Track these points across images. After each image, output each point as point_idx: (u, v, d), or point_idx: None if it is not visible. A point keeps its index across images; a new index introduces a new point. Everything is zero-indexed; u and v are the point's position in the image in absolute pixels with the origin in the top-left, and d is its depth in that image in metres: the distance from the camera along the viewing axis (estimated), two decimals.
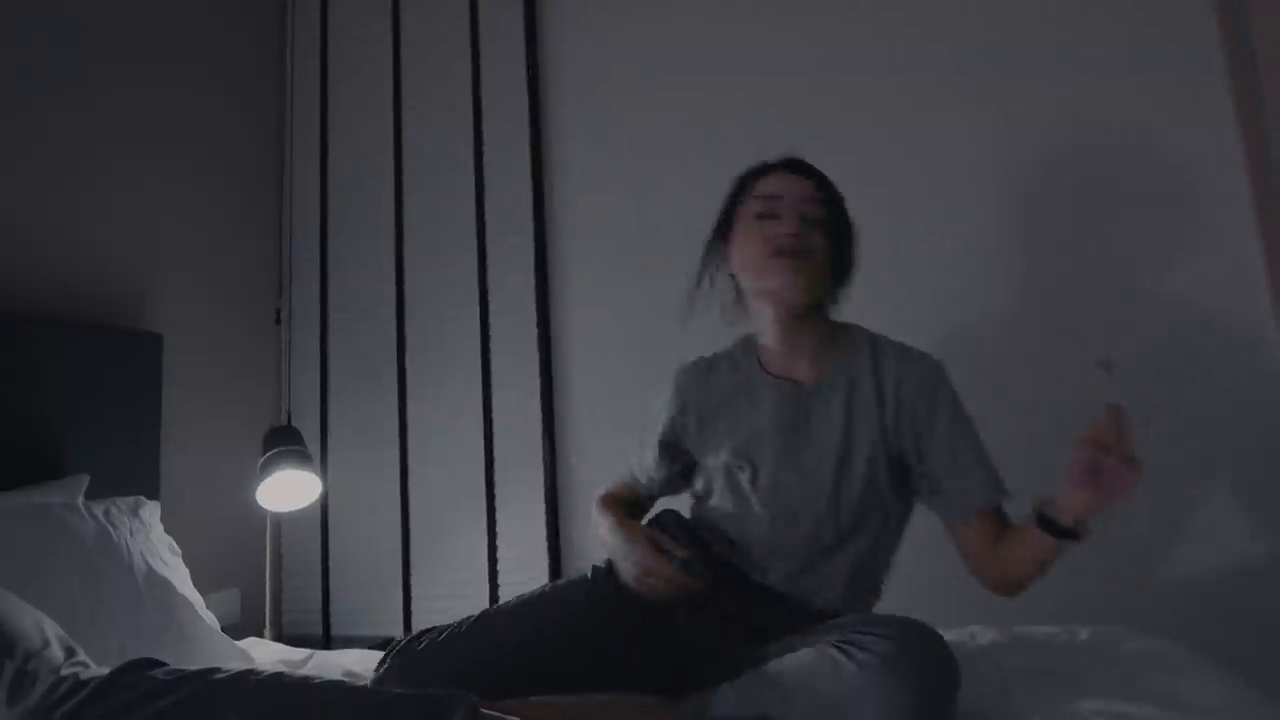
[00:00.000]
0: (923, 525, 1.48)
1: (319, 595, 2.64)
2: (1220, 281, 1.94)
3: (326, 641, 2.53)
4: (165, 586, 1.74)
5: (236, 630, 2.04)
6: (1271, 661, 1.49)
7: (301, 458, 2.25)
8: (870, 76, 2.25)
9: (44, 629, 1.25)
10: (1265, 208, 1.88)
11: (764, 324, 1.46)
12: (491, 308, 2.59)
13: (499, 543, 2.48)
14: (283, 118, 2.89)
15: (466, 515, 2.51)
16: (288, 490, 2.27)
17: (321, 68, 2.88)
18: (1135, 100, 2.02)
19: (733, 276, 1.51)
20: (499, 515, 2.49)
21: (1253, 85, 1.87)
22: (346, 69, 2.86)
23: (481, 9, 2.70)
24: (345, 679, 1.46)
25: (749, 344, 1.53)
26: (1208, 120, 1.96)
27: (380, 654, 1.94)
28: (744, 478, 1.42)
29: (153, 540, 1.85)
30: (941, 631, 1.43)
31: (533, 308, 2.52)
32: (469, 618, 1.40)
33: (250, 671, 1.15)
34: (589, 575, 1.46)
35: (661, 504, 1.61)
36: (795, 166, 1.47)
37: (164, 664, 1.14)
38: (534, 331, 2.51)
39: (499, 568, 2.46)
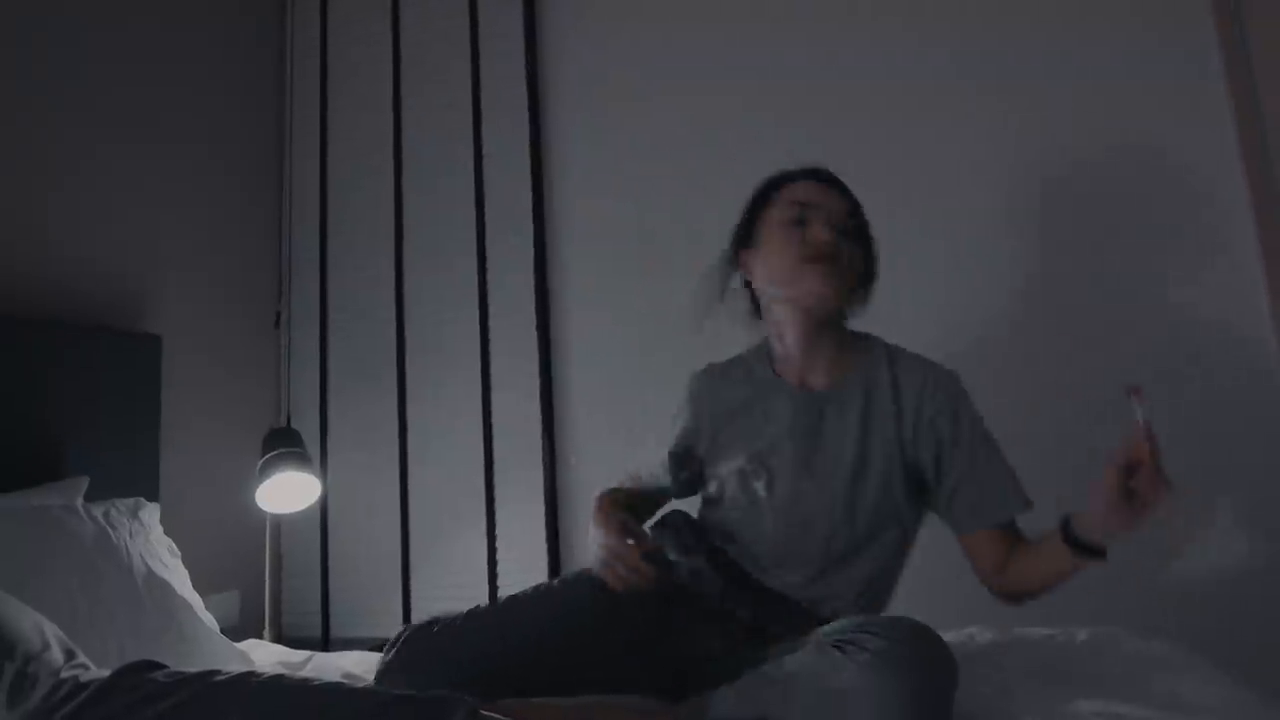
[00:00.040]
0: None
1: (318, 597, 2.64)
2: (1219, 282, 1.94)
3: (326, 643, 2.53)
4: (165, 588, 1.74)
5: (236, 632, 2.04)
6: (1270, 662, 1.49)
7: (301, 459, 2.25)
8: (869, 81, 2.25)
9: (44, 631, 1.25)
10: (1263, 210, 1.88)
11: (784, 330, 1.45)
12: (491, 309, 2.59)
13: (498, 544, 2.48)
14: (282, 118, 2.89)
15: (466, 517, 2.52)
16: (287, 492, 2.27)
17: (321, 68, 2.88)
18: (1134, 104, 2.02)
19: (748, 284, 1.51)
20: (498, 516, 2.49)
21: (1250, 88, 1.88)
22: (346, 69, 2.86)
23: (481, 10, 2.71)
24: (345, 681, 1.46)
25: (762, 351, 1.53)
26: (1206, 123, 1.96)
27: (378, 655, 1.95)
28: (759, 484, 1.42)
29: (152, 542, 1.85)
30: (941, 632, 1.43)
31: (532, 309, 2.53)
32: (477, 608, 1.41)
33: (250, 673, 1.15)
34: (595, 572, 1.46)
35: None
36: (821, 175, 1.47)
37: (164, 666, 1.14)
38: (533, 333, 2.51)
39: (498, 569, 2.47)
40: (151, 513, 1.92)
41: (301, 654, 1.90)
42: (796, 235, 1.40)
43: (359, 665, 1.76)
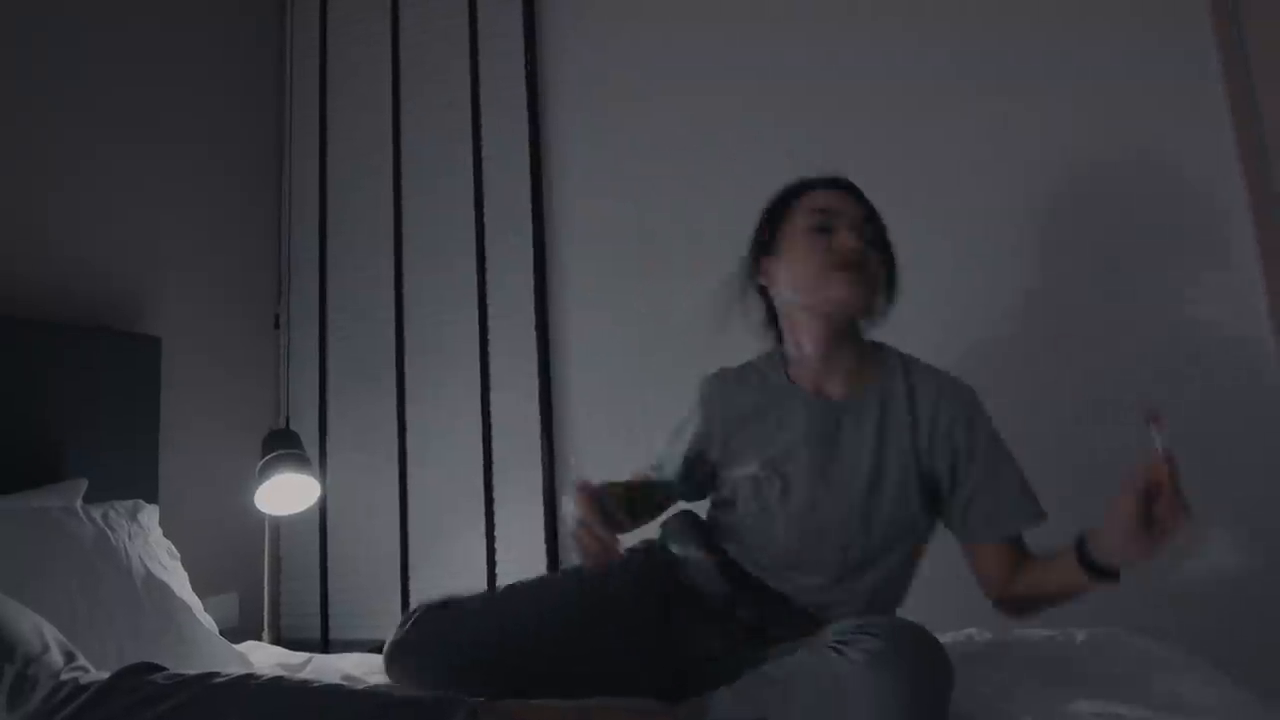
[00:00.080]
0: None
1: (317, 598, 2.64)
2: (1217, 281, 1.95)
3: (325, 645, 2.53)
4: (164, 590, 1.73)
5: (235, 634, 2.03)
6: (1269, 662, 1.50)
7: (300, 461, 2.25)
8: (869, 81, 2.25)
9: (43, 633, 1.25)
10: (1260, 210, 1.89)
11: (803, 338, 1.45)
12: (490, 310, 2.59)
13: (498, 545, 2.48)
14: (282, 118, 2.89)
15: (465, 517, 2.52)
16: (286, 493, 2.27)
17: (320, 68, 2.88)
18: (1133, 104, 2.03)
19: (762, 291, 1.51)
20: (498, 517, 2.50)
21: (1247, 89, 1.88)
22: (345, 70, 2.86)
23: (480, 10, 2.71)
24: (344, 682, 1.45)
25: (775, 357, 1.53)
26: (1205, 123, 1.97)
27: (378, 657, 1.95)
28: (772, 490, 1.42)
29: (151, 544, 1.85)
30: (941, 632, 1.44)
31: (531, 309, 2.53)
32: (491, 590, 1.43)
33: (249, 675, 1.15)
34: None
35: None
36: (840, 183, 1.47)
37: (163, 668, 1.14)
38: (533, 333, 2.52)
39: (498, 570, 2.47)
40: (150, 514, 1.92)
41: (301, 656, 1.90)
42: (822, 243, 1.39)
43: (358, 667, 1.76)
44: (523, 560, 2.43)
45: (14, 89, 2.01)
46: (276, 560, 2.58)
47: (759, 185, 2.29)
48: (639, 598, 1.38)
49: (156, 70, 2.40)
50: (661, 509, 1.61)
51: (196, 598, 1.86)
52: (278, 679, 1.15)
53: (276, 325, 2.78)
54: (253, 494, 2.22)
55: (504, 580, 2.43)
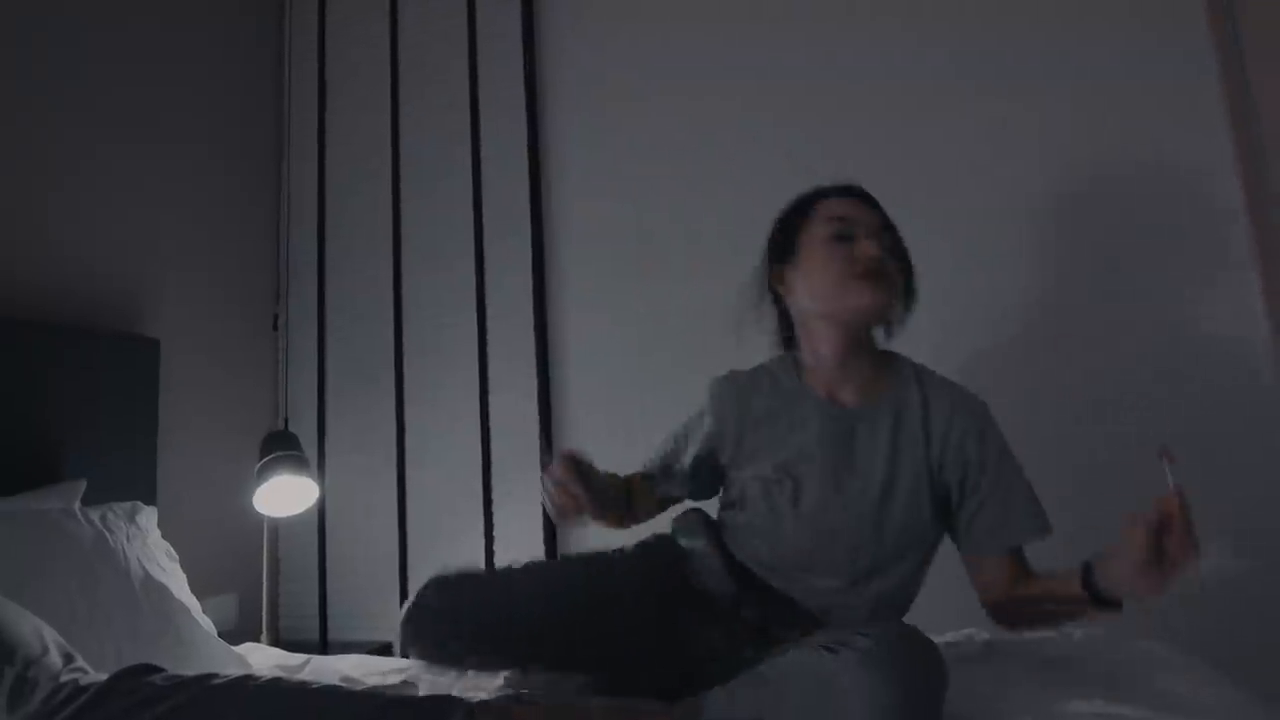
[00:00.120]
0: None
1: (316, 600, 2.64)
2: (1215, 281, 1.95)
3: (324, 646, 2.52)
4: (162, 592, 1.73)
5: (233, 635, 2.03)
6: (1268, 662, 1.50)
7: (298, 462, 2.25)
8: (868, 82, 2.26)
9: (43, 635, 1.25)
10: (1257, 210, 1.89)
11: (820, 345, 1.45)
12: (489, 311, 2.59)
13: (496, 546, 2.48)
14: (280, 120, 2.89)
15: (464, 518, 2.52)
16: (285, 495, 2.26)
17: (319, 70, 2.89)
18: (1132, 104, 2.03)
19: (777, 300, 1.51)
20: (496, 518, 2.49)
21: (1244, 88, 1.88)
22: (344, 71, 2.87)
23: (479, 11, 2.71)
24: (343, 684, 1.45)
25: (787, 362, 1.53)
26: (1202, 124, 1.97)
27: (376, 658, 1.96)
28: (783, 493, 1.43)
29: (150, 545, 1.85)
30: (939, 633, 1.44)
31: (530, 311, 2.53)
32: (510, 567, 1.48)
33: (248, 677, 1.15)
34: (624, 550, 1.51)
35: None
36: (854, 191, 1.47)
37: (161, 670, 1.15)
38: (531, 334, 2.52)
39: None
40: (149, 516, 1.92)
41: (299, 657, 1.90)
42: (842, 251, 1.39)
43: (357, 668, 1.76)
44: (521, 561, 2.42)
45: (14, 89, 2.01)
46: (275, 562, 2.57)
47: (758, 186, 2.30)
48: (644, 589, 1.39)
49: (155, 71, 2.41)
50: (662, 508, 1.62)
51: (195, 599, 1.86)
52: (276, 680, 1.15)
53: (275, 327, 2.78)
54: (251, 495, 2.22)
55: None
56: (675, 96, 2.44)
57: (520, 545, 2.44)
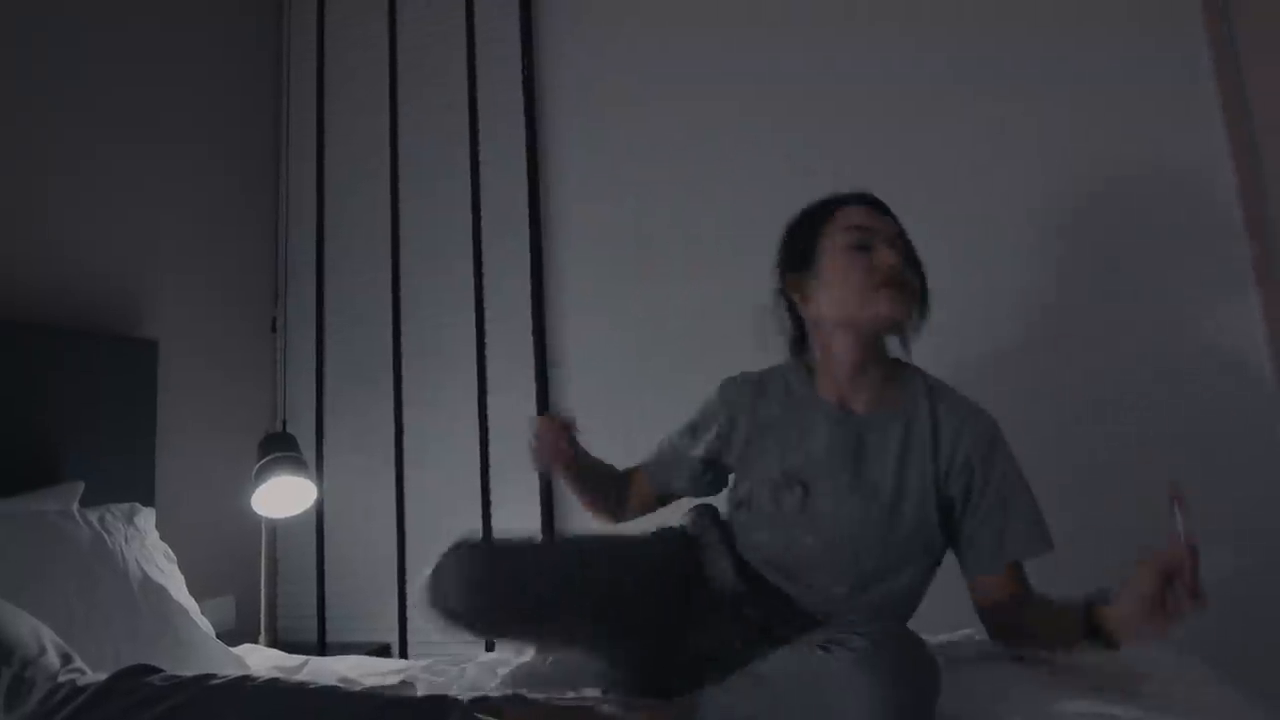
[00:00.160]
0: None
1: (314, 601, 2.64)
2: (1212, 280, 1.96)
3: (322, 648, 2.52)
4: (160, 593, 1.73)
5: (232, 637, 2.03)
6: (1260, 662, 1.50)
7: (297, 464, 2.25)
8: (866, 86, 2.26)
9: (40, 636, 1.25)
10: (1252, 210, 1.90)
11: (837, 354, 1.45)
12: (488, 313, 2.59)
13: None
14: (279, 121, 2.89)
15: (463, 520, 2.51)
16: (283, 496, 2.26)
17: (318, 71, 2.89)
18: (1129, 106, 2.04)
19: (792, 307, 1.51)
20: (495, 519, 2.49)
21: (1239, 90, 1.89)
22: (343, 73, 2.87)
23: (478, 13, 2.71)
24: (340, 684, 1.45)
25: (800, 367, 1.53)
26: (1198, 124, 1.98)
27: (374, 659, 1.96)
28: (793, 498, 1.43)
29: (148, 547, 1.85)
30: (935, 634, 1.44)
31: (529, 313, 2.53)
32: (531, 539, 1.48)
33: (246, 677, 1.15)
34: (642, 536, 1.52)
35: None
36: (869, 200, 1.47)
37: (160, 670, 1.14)
38: (530, 337, 2.52)
39: None
40: (147, 518, 1.92)
41: (298, 658, 1.90)
42: (862, 261, 1.39)
43: (355, 669, 1.76)
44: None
45: (14, 89, 2.01)
46: (273, 563, 2.57)
47: (756, 189, 2.32)
48: (660, 575, 1.40)
49: (155, 71, 2.41)
50: (662, 503, 1.63)
51: (193, 600, 1.86)
52: (274, 680, 1.15)
53: (274, 328, 2.78)
54: (250, 497, 2.22)
55: None
56: (674, 100, 2.45)
57: None
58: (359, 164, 2.79)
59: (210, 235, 2.56)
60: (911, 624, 1.47)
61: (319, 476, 2.63)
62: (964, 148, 2.15)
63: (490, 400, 2.55)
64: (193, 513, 2.28)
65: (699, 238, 2.38)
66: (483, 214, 2.63)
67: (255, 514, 2.29)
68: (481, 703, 1.13)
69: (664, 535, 1.53)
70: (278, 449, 2.24)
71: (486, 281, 2.60)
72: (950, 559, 1.45)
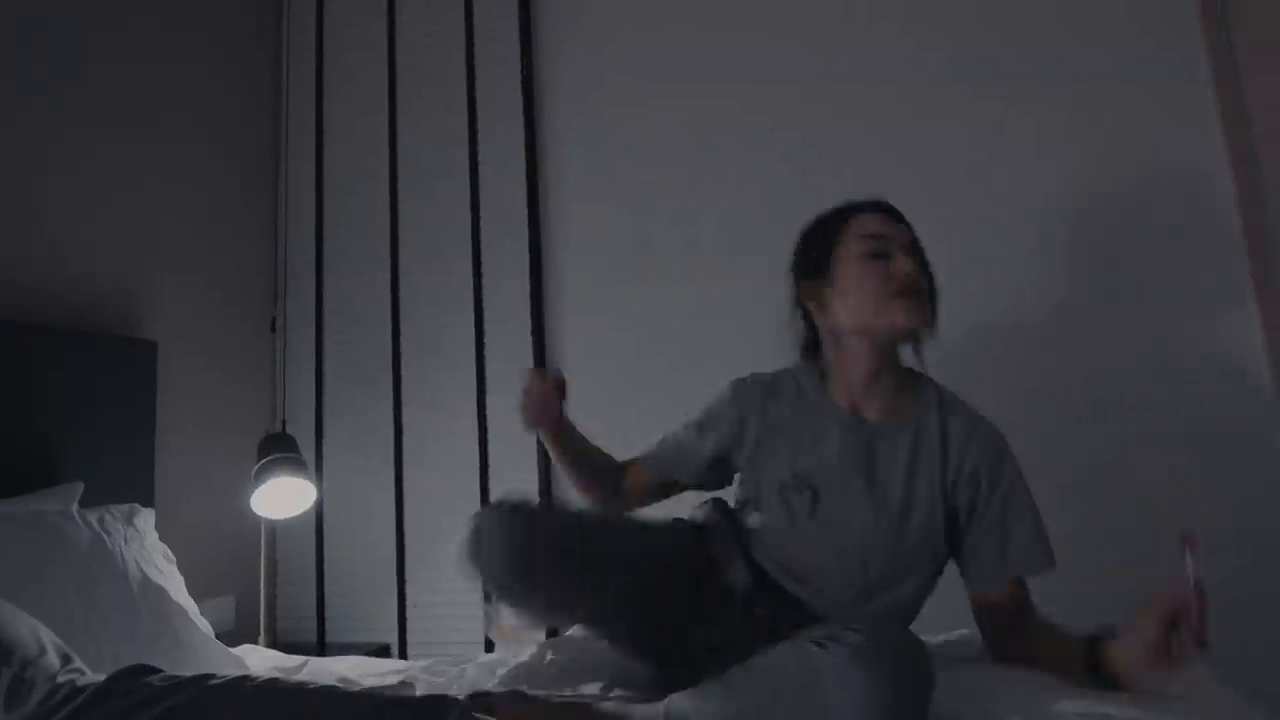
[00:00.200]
0: None
1: (314, 602, 2.64)
2: (1209, 281, 1.96)
3: (321, 648, 2.52)
4: (160, 594, 1.73)
5: (231, 637, 2.03)
6: (1260, 662, 1.50)
7: (296, 464, 2.25)
8: (865, 86, 2.26)
9: (40, 636, 1.25)
10: (1249, 211, 1.90)
11: (853, 361, 1.45)
12: (487, 314, 2.59)
13: None
14: (278, 122, 2.89)
15: (462, 520, 2.47)
16: (282, 497, 2.26)
17: (317, 72, 2.89)
18: (1128, 108, 2.04)
19: (807, 315, 1.51)
20: None
21: (1237, 92, 1.90)
22: (342, 73, 2.87)
23: (477, 14, 2.71)
24: (340, 684, 1.45)
25: (813, 372, 1.52)
26: (1196, 126, 1.98)
27: (374, 660, 1.96)
28: (800, 501, 1.43)
29: (147, 547, 1.85)
30: (933, 634, 1.44)
31: (528, 314, 2.53)
32: (566, 508, 1.53)
33: (245, 677, 1.15)
34: (664, 522, 1.52)
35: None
36: (884, 207, 1.47)
37: (159, 670, 1.14)
38: (529, 338, 2.52)
39: None
40: (146, 518, 1.92)
41: (297, 659, 1.90)
42: (878, 269, 1.39)
43: (354, 670, 1.76)
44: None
45: (14, 89, 2.01)
46: (273, 564, 2.57)
47: (755, 190, 2.33)
48: (682, 561, 1.41)
49: (154, 71, 2.41)
50: (664, 495, 1.63)
51: (193, 601, 1.86)
52: (273, 680, 1.15)
53: (273, 329, 2.78)
54: (249, 497, 2.22)
55: None
56: (673, 100, 2.45)
57: None
58: (358, 164, 2.79)
59: (210, 235, 2.56)
60: (910, 624, 1.48)
61: (318, 477, 2.63)
62: (963, 148, 2.15)
63: (489, 401, 2.55)
64: (192, 513, 2.28)
65: (698, 238, 2.38)
66: (482, 214, 2.63)
67: (255, 514, 2.29)
68: (481, 698, 1.13)
69: (677, 525, 1.53)
70: (277, 449, 2.24)
71: (485, 282, 2.60)
72: (951, 567, 1.45)
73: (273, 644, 2.27)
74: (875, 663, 1.03)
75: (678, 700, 1.17)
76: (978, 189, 2.13)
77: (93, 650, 1.41)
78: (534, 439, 2.46)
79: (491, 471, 2.52)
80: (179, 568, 1.92)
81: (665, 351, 2.38)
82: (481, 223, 2.63)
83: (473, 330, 2.59)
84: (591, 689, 1.42)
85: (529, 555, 1.33)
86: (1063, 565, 1.36)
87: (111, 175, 2.24)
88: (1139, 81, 2.03)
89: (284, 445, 2.28)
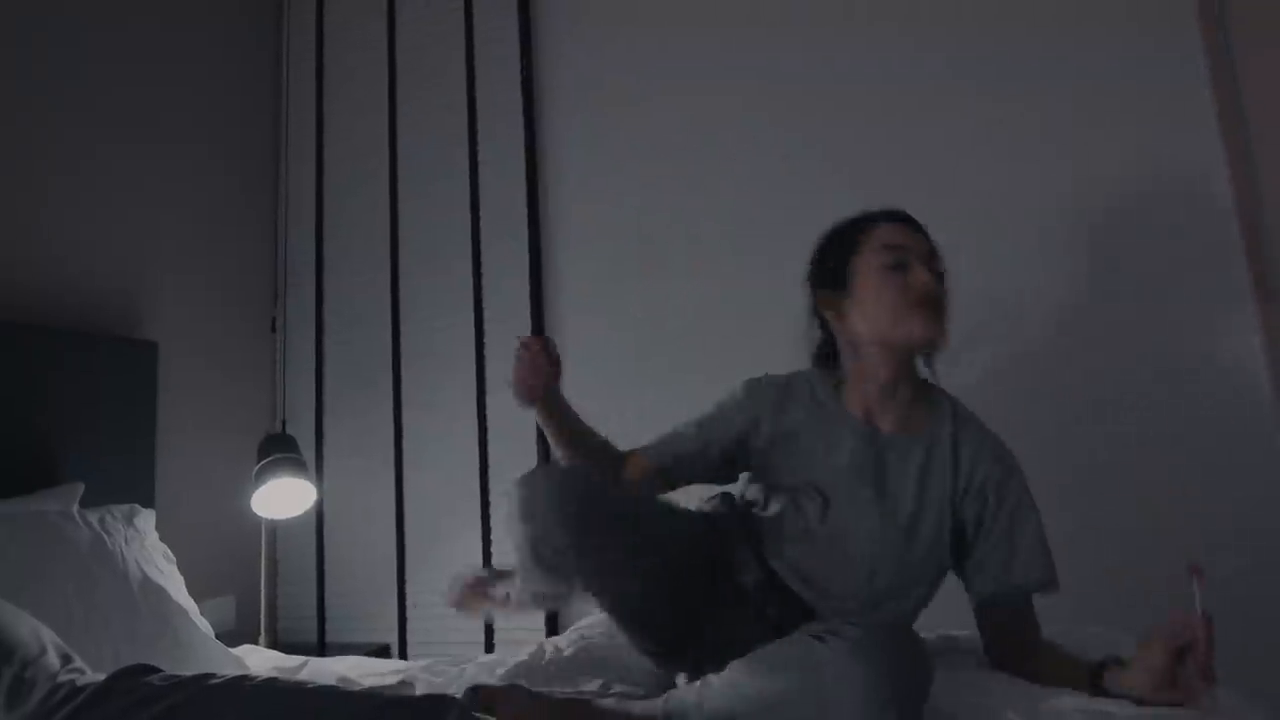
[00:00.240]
0: None
1: (314, 602, 2.64)
2: (1208, 282, 1.96)
3: (321, 649, 2.52)
4: (160, 594, 1.73)
5: (231, 638, 2.03)
6: (1259, 662, 1.50)
7: (296, 465, 2.25)
8: (865, 85, 2.26)
9: (40, 636, 1.25)
10: (1247, 211, 1.90)
11: (871, 372, 1.45)
12: (486, 314, 2.59)
13: (494, 548, 2.48)
14: (278, 122, 2.89)
15: (462, 520, 2.51)
16: (283, 497, 2.27)
17: (317, 72, 2.89)
18: (1128, 107, 2.03)
19: (824, 324, 1.51)
20: (494, 520, 2.49)
21: (1234, 93, 1.90)
22: (341, 74, 2.87)
23: (476, 14, 2.71)
24: (340, 684, 1.45)
25: (827, 379, 1.52)
26: (1194, 126, 1.98)
27: (374, 660, 1.96)
28: (813, 507, 1.43)
29: (147, 548, 1.85)
30: (931, 631, 1.44)
31: (528, 314, 2.53)
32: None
33: (245, 677, 1.15)
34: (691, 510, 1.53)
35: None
36: (901, 217, 1.47)
37: (159, 670, 1.14)
38: None
39: None
40: (147, 519, 1.92)
41: (297, 659, 1.89)
42: (897, 280, 1.39)
43: (354, 670, 1.76)
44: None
45: (14, 89, 2.01)
46: (273, 564, 2.57)
47: (756, 189, 2.33)
48: (693, 555, 1.42)
49: (155, 72, 2.41)
50: (668, 487, 1.61)
51: (193, 601, 1.86)
52: (273, 680, 1.15)
53: (273, 329, 2.78)
54: (249, 498, 2.22)
55: None
56: (673, 99, 2.45)
57: None
58: (358, 164, 2.80)
59: (210, 236, 2.56)
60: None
61: (318, 477, 2.63)
62: (963, 147, 2.15)
63: (489, 401, 2.55)
64: (192, 514, 2.28)
65: (698, 238, 2.38)
66: (482, 214, 2.63)
67: (255, 515, 2.29)
68: (481, 691, 1.14)
69: (695, 515, 1.53)
70: (277, 450, 2.24)
71: (485, 282, 2.60)
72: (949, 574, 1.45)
73: (273, 644, 2.27)
74: (875, 657, 1.04)
75: (677, 695, 1.18)
76: (977, 188, 2.13)
77: (93, 650, 1.41)
78: (534, 439, 2.46)
79: (491, 471, 2.52)
80: (179, 568, 1.92)
81: (666, 351, 2.38)
82: (481, 223, 2.63)
83: (473, 330, 2.59)
84: (591, 686, 1.42)
85: (584, 518, 1.31)
86: (1063, 566, 1.36)
87: (111, 175, 2.24)
88: (1137, 82, 2.03)
89: (284, 446, 2.28)
